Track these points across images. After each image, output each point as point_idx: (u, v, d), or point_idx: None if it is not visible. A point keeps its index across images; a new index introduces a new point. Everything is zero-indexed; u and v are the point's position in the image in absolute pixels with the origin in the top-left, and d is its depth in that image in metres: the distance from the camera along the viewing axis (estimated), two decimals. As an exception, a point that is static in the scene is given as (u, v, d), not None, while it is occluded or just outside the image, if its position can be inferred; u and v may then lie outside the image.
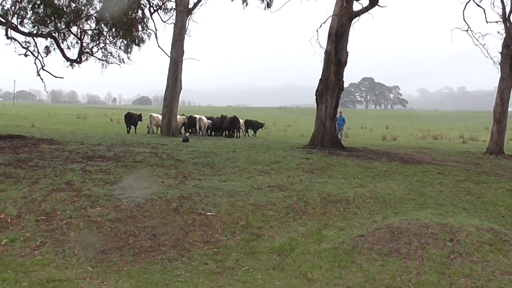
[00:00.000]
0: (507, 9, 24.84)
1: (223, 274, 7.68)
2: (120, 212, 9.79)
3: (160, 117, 31.11)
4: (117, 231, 9.06)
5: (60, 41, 23.13)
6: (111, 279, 7.31)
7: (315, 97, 22.64)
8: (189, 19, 29.84)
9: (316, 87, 22.48)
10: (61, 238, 8.61)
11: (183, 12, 29.01)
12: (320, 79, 22.36)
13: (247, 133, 38.14)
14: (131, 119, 32.61)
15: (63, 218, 9.30)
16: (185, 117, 33.78)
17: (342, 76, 22.26)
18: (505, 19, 24.75)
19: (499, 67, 24.70)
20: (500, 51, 24.51)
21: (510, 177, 15.85)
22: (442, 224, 9.14)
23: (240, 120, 34.94)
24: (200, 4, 30.37)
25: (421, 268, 7.49)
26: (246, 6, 28.92)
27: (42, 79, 23.83)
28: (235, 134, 33.39)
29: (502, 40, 24.61)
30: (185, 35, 29.54)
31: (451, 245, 8.23)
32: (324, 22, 22.73)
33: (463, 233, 8.66)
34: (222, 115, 34.81)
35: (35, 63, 23.46)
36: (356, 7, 22.55)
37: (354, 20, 22.41)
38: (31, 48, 23.18)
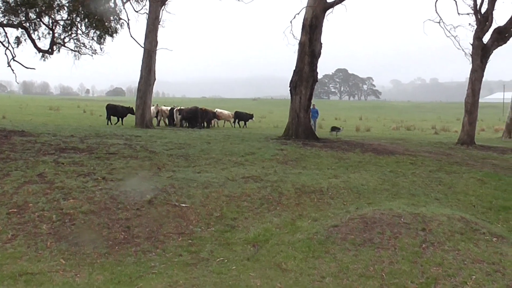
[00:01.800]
0: (478, 1, 25.09)
1: (197, 266, 7.68)
2: (93, 204, 9.70)
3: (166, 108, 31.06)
4: (90, 223, 8.99)
5: (31, 32, 22.75)
6: (84, 272, 7.25)
7: (289, 89, 22.64)
8: (163, 9, 29.64)
9: (291, 79, 22.49)
10: (33, 231, 8.51)
11: (157, 2, 28.76)
12: (294, 71, 22.37)
13: (238, 124, 38.42)
14: (113, 111, 32.45)
15: (35, 211, 9.19)
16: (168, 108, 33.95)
17: (316, 67, 22.31)
18: (476, 11, 25.00)
19: (470, 58, 24.96)
20: (472, 42, 24.76)
21: (480, 167, 16.07)
22: (414, 213, 9.24)
23: (219, 110, 35.38)
24: (173, -6, 30.14)
25: (393, 257, 7.57)
26: (220, -4, 28.79)
27: (13, 70, 23.47)
28: (201, 125, 33.47)
29: (473, 32, 24.84)
30: (159, 25, 29.32)
31: (423, 234, 8.33)
32: (298, 13, 22.76)
33: (435, 223, 8.76)
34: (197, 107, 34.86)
35: (5, 53, 23.06)
36: (330, -2, 22.58)
37: (328, 12, 22.45)
38: (1, 39, 22.77)
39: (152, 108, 33.64)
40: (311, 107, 32.20)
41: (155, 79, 29.52)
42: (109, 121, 32.43)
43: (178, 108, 34.46)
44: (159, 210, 9.78)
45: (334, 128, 31.88)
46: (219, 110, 39.16)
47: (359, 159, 16.02)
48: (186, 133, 22.73)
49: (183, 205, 10.10)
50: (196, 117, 33.13)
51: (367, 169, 14.35)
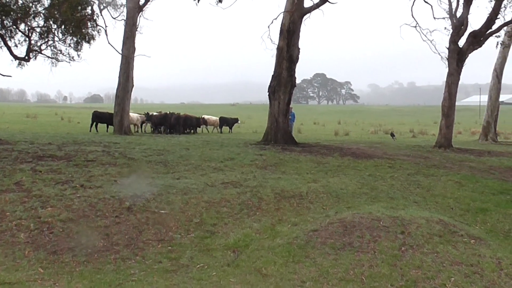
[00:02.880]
0: (453, 6, 25.46)
1: (177, 272, 7.64)
2: (72, 212, 9.62)
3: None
4: (69, 231, 8.91)
5: (7, 39, 22.52)
6: (63, 280, 7.18)
7: (268, 94, 22.69)
8: (140, 16, 29.49)
9: (269, 84, 22.55)
10: (10, 240, 8.41)
11: (134, 9, 28.66)
12: (272, 76, 22.43)
13: (221, 130, 38.70)
14: (100, 118, 32.23)
15: (12, 219, 9.08)
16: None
17: (294, 72, 22.39)
18: (451, 15, 25.32)
19: (446, 62, 25.22)
20: (448, 46, 25.03)
21: (458, 170, 16.23)
22: (393, 217, 9.30)
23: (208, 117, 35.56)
24: (151, 0, 30.07)
25: (373, 261, 7.61)
26: (198, 2, 28.74)
27: (-12, 78, 23.20)
28: (180, 131, 33.44)
29: (449, 36, 25.12)
30: (136, 32, 29.18)
31: (402, 237, 8.38)
32: (276, 19, 22.82)
33: (413, 226, 8.83)
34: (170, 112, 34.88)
35: (-19, 61, 22.84)
36: (307, 3, 22.72)
37: (305, 17, 22.57)
38: (-24, 46, 22.53)
39: (137, 115, 33.59)
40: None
41: (133, 86, 29.34)
42: (94, 128, 32.00)
43: (150, 114, 34.47)
44: (138, 217, 9.72)
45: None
46: (206, 116, 39.16)
47: (338, 163, 16.10)
48: (165, 139, 22.66)
49: (163, 211, 10.06)
50: (166, 123, 33.06)
51: (346, 173, 14.41)
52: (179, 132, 32.88)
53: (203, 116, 38.39)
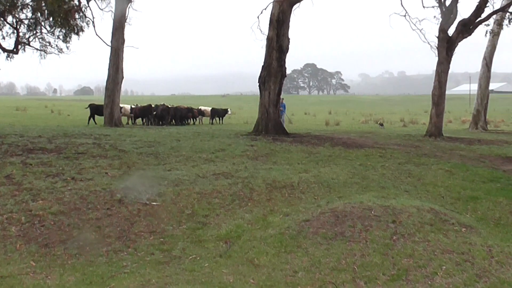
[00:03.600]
0: (443, -6, 25.40)
1: (170, 264, 7.65)
2: (63, 204, 9.60)
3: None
4: (60, 224, 8.89)
5: (-5, 31, 22.40)
6: (55, 273, 7.17)
7: (258, 84, 22.66)
8: (129, 7, 29.25)
9: (259, 74, 22.50)
10: (2, 234, 8.38)
11: (123, 0, 28.45)
12: (262, 66, 22.38)
13: (216, 120, 38.62)
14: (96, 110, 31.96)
15: (3, 213, 9.05)
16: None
17: (284, 62, 22.35)
18: (441, 3, 25.28)
19: (436, 51, 25.26)
20: (437, 35, 25.06)
21: (448, 158, 16.30)
22: (384, 206, 9.33)
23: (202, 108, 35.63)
24: (140, -9, 29.94)
25: (365, 250, 7.64)
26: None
27: (-23, 71, 23.11)
28: (147, 122, 33.52)
29: (439, 24, 25.11)
30: (125, 23, 28.96)
31: (393, 226, 8.42)
32: (265, 9, 22.80)
33: (405, 215, 8.87)
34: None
35: (-31, 54, 22.68)
36: (297, -7, 22.62)
37: (294, 7, 22.51)
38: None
39: (126, 106, 33.50)
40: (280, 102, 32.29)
41: (123, 77, 29.13)
42: (92, 120, 31.76)
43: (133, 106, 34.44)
44: (129, 209, 9.71)
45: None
46: (203, 107, 39.31)
47: (329, 153, 16.12)
48: (155, 131, 22.59)
49: (154, 203, 10.05)
50: (148, 114, 33.00)
51: (337, 163, 14.44)
52: (168, 123, 32.84)
53: (199, 108, 38.45)
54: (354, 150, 16.89)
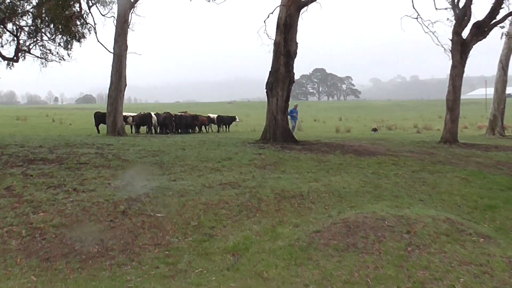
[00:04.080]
0: (456, -5, 25.34)
1: (175, 278, 7.61)
2: (64, 217, 9.59)
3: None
4: (62, 237, 8.87)
5: (-6, 39, 22.53)
6: (56, 289, 7.15)
7: (265, 90, 22.65)
8: (132, 12, 29.35)
9: (266, 80, 22.50)
10: (2, 247, 8.36)
11: (125, 5, 28.52)
12: (270, 72, 22.38)
13: (223, 128, 38.90)
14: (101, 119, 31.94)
15: (3, 226, 9.03)
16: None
17: (292, 67, 22.33)
18: (454, 5, 25.24)
19: (450, 54, 25.20)
20: (451, 38, 25.00)
21: (464, 165, 16.21)
22: (398, 216, 9.27)
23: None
24: (143, -4, 30.07)
25: (378, 262, 7.58)
26: (191, -1, 28.76)
27: (-23, 80, 23.27)
28: (173, 130, 33.57)
29: (452, 27, 25.06)
30: (128, 29, 29.03)
31: (408, 237, 8.35)
32: (272, 13, 22.83)
33: (419, 225, 8.80)
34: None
35: (-32, 63, 22.82)
36: (304, -4, 22.65)
37: (302, 10, 22.53)
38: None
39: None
40: (294, 107, 32.39)
41: (126, 85, 29.15)
42: (97, 128, 31.86)
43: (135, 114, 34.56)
44: (133, 221, 9.69)
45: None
46: (212, 115, 39.52)
47: (339, 161, 16.07)
48: (160, 140, 22.61)
49: (159, 215, 10.03)
50: (149, 122, 33.01)
51: (348, 172, 14.39)
52: (171, 131, 32.90)
53: (208, 115, 38.60)
54: (365, 157, 16.83)
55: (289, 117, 29.24)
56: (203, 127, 37.70)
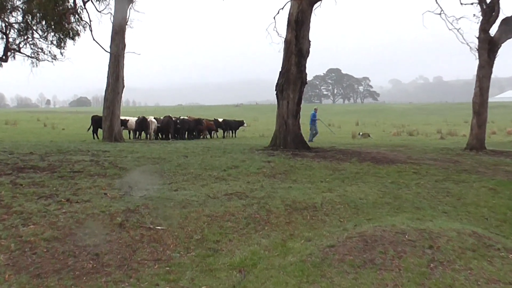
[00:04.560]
0: (482, -11, 25.25)
1: (177, 296, 7.62)
2: (57, 230, 9.61)
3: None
4: (54, 251, 8.90)
5: (-19, 37, 22.66)
6: (48, 308, 7.18)
7: (275, 92, 22.65)
8: (130, 8, 29.37)
9: (276, 81, 22.51)
10: (-12, 263, 8.41)
11: (123, 1, 28.57)
12: (280, 72, 22.39)
13: (230, 134, 39.20)
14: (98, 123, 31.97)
15: (-10, 240, 9.09)
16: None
17: (305, 67, 22.33)
18: (480, 0, 25.14)
19: (476, 53, 25.09)
20: (477, 35, 24.90)
21: (492, 174, 16.17)
22: (420, 229, 9.26)
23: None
24: (142, -10, 30.12)
25: (398, 280, 7.56)
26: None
27: (-38, 81, 23.42)
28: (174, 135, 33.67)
29: (479, 23, 24.97)
30: (126, 26, 29.04)
31: (430, 252, 8.33)
32: (282, 8, 22.93)
33: (443, 239, 8.78)
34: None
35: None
36: (317, -10, 22.66)
37: (315, 6, 22.54)
38: None
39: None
40: (314, 111, 32.52)
41: (123, 86, 29.11)
42: (93, 134, 31.94)
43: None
44: (131, 234, 9.71)
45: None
46: (220, 119, 39.79)
47: (356, 169, 16.07)
48: (160, 146, 22.67)
49: (159, 227, 10.05)
50: (146, 127, 33.04)
51: (365, 181, 14.39)
52: (173, 137, 32.96)
53: (216, 119, 38.75)
54: (384, 166, 16.82)
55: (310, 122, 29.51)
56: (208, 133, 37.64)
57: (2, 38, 23.97)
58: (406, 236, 8.95)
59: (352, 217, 11.11)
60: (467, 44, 26.11)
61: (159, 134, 33.75)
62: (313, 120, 34.96)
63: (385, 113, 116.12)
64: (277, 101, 22.64)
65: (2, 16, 23.21)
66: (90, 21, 26.50)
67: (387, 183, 14.23)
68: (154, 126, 32.61)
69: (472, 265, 7.87)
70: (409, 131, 47.37)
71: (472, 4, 26.35)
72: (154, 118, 34.14)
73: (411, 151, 22.56)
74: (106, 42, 28.24)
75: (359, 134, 39.43)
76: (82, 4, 27.21)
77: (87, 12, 31.14)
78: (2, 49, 24.09)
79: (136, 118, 33.80)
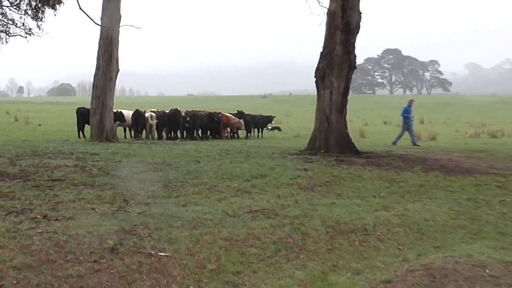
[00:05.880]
0: None
1: None
2: (30, 255, 9.67)
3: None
4: (26, 283, 8.95)
5: None
6: None
7: (315, 80, 22.55)
8: (128, -32, 29.48)
9: (317, 65, 22.44)
10: None
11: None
12: (321, 53, 22.34)
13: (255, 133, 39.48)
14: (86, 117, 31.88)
15: None
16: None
17: (354, 47, 22.23)
18: None
19: None
20: None
21: None
22: (505, 262, 9.19)
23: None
24: None
25: (475, 329, 7.53)
26: None
27: None
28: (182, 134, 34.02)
29: None
30: (123, -7, 28.95)
31: (519, 292, 8.28)
32: (326, -32, 22.82)
33: (536, 275, 8.72)
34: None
35: None
36: None
37: (369, -34, 22.48)
38: None
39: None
40: (408, 104, 31.84)
41: (118, 70, 28.86)
42: (80, 132, 31.97)
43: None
44: (126, 262, 9.74)
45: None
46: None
47: (420, 181, 16.00)
48: (164, 148, 22.76)
49: (162, 254, 10.08)
50: (143, 123, 33.05)
51: (432, 197, 14.33)
52: (182, 136, 33.06)
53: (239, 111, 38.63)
54: (457, 177, 16.73)
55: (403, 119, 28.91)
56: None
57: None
58: (487, 271, 8.89)
59: (414, 243, 11.06)
60: None
61: (169, 133, 33.75)
62: (406, 117, 34.09)
63: (459, 107, 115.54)
64: (317, 90, 22.60)
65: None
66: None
67: (461, 200, 14.15)
68: (152, 121, 32.48)
69: None
70: (491, 131, 47.01)
71: None
72: (152, 111, 34.10)
73: (493, 158, 22.40)
74: (97, 13, 28.27)
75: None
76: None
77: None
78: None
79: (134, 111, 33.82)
